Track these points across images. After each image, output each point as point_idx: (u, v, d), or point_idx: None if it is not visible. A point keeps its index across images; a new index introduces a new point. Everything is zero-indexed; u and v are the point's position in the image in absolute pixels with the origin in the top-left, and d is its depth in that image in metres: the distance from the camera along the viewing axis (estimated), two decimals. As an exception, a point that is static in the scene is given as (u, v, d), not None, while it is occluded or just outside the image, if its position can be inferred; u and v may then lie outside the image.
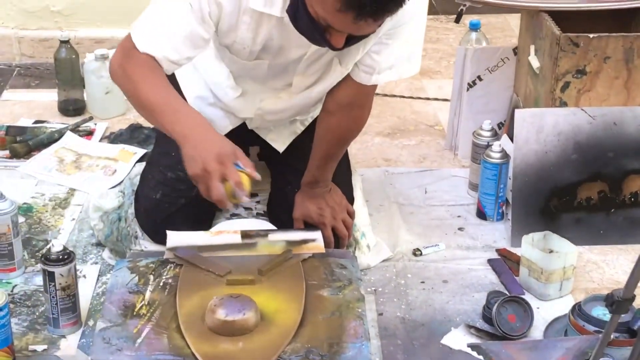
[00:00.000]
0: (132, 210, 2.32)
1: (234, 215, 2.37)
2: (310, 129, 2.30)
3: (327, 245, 2.17)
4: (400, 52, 2.06)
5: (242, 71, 2.13)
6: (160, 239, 2.16)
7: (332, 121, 2.17)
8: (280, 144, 2.32)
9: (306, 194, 2.25)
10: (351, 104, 2.15)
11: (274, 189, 2.35)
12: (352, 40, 1.87)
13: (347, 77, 2.12)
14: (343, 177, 2.33)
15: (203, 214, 2.25)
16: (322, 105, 2.21)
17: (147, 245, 2.25)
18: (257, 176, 1.85)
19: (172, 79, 2.08)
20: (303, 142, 2.30)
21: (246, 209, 2.39)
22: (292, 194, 2.27)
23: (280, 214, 2.28)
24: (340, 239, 2.24)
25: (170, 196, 2.22)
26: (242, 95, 2.19)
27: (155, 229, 2.22)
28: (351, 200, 2.32)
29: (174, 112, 1.88)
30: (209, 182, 1.81)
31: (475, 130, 2.62)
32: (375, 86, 2.14)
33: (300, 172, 2.26)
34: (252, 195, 2.34)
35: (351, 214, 2.27)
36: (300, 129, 2.33)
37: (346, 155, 2.34)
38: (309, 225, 2.23)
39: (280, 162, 2.34)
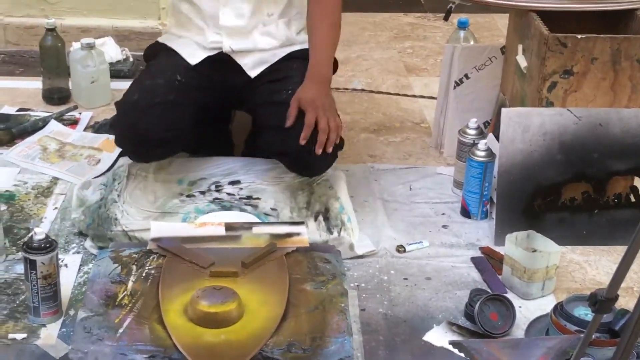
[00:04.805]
0: (112, 196, 2.32)
1: (216, 200, 2.36)
2: (281, 62, 2.44)
3: (305, 130, 2.22)
4: None
5: None
6: (141, 152, 2.37)
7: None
8: (253, 71, 2.44)
9: (310, 80, 2.33)
10: None
11: (258, 112, 2.45)
12: None
13: None
14: None
15: (178, 122, 2.34)
16: None
17: (127, 225, 2.24)
18: None
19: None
20: (280, 67, 2.44)
21: (229, 194, 2.39)
22: (281, 99, 2.34)
23: (269, 121, 2.36)
24: (319, 132, 2.25)
25: (145, 98, 2.34)
26: None
27: (134, 136, 2.33)
28: None
29: None
30: None
31: (461, 128, 2.63)
32: None
33: (278, 89, 2.38)
34: (234, 182, 2.41)
35: (339, 127, 2.30)
36: (272, 60, 2.44)
37: None
38: (300, 114, 2.26)
39: (260, 88, 2.45)
